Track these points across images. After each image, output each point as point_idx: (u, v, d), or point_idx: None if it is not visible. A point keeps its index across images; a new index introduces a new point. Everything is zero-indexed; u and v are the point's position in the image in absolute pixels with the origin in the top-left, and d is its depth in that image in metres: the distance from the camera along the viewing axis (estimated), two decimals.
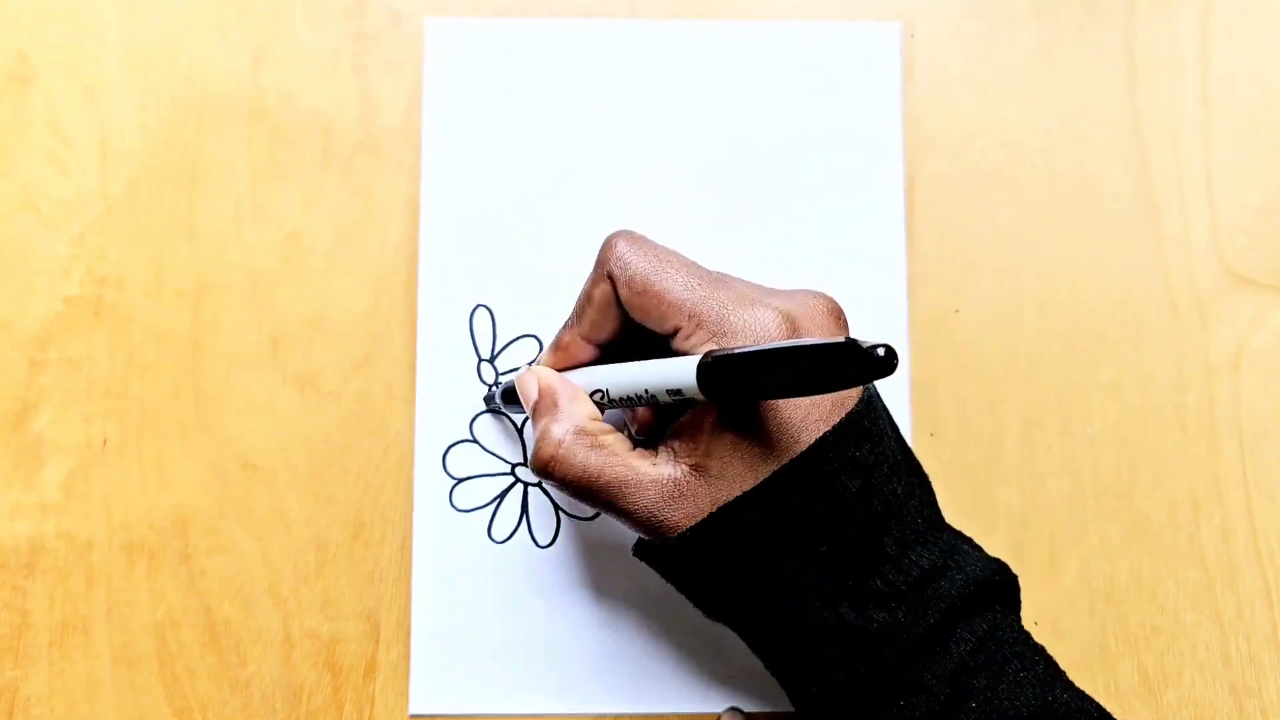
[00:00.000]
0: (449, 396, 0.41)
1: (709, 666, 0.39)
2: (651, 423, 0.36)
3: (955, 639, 0.32)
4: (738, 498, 0.31)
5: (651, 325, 0.33)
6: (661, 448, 0.33)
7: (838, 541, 0.31)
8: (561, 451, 0.33)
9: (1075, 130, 0.42)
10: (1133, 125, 0.42)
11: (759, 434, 0.31)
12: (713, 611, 0.35)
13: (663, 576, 0.35)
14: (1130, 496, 0.40)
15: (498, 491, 0.40)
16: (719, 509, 0.31)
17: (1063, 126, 0.42)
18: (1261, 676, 0.39)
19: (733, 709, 0.39)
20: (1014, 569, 0.34)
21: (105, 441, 0.40)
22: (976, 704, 0.31)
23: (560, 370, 0.36)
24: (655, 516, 0.32)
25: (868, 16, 0.43)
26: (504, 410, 0.41)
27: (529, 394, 0.36)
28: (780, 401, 0.31)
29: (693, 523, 0.32)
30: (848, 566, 0.31)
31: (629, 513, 0.33)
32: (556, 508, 0.40)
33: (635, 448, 0.34)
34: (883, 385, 0.38)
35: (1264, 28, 0.43)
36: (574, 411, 0.34)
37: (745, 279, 0.34)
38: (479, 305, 0.41)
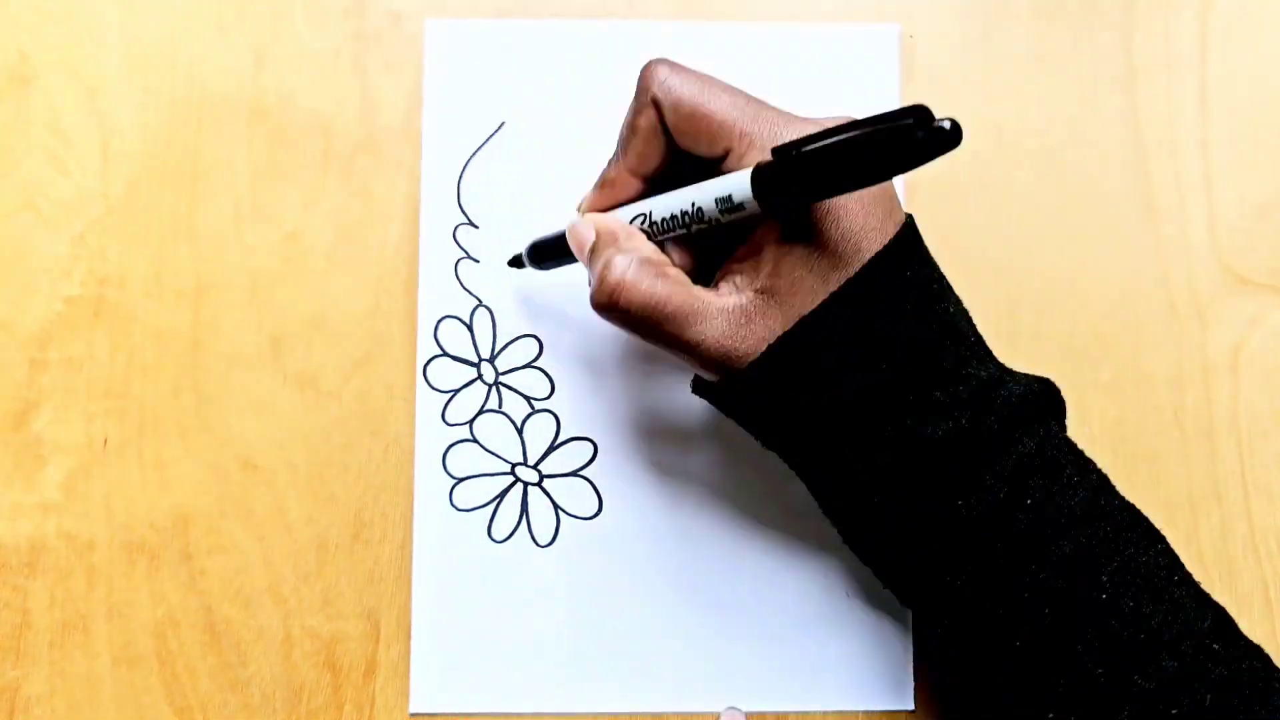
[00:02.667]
0: (449, 396, 0.41)
1: (709, 666, 0.40)
2: (692, 267, 0.35)
3: (1016, 442, 0.32)
4: (814, 309, 0.31)
5: (702, 149, 0.33)
6: (722, 282, 0.33)
7: (896, 358, 0.32)
8: (628, 278, 0.32)
9: (1075, 131, 0.42)
10: (1132, 126, 0.42)
11: (825, 246, 0.31)
12: (772, 441, 0.35)
13: (722, 410, 0.35)
14: (1129, 496, 0.40)
15: (498, 491, 0.40)
16: (797, 323, 0.31)
17: (1062, 127, 0.42)
18: None
19: (732, 708, 0.39)
20: None
21: (106, 441, 0.40)
22: (1032, 502, 0.32)
23: (607, 208, 0.36)
24: (724, 345, 0.32)
25: (867, 17, 0.43)
26: (534, 267, 0.40)
27: (585, 238, 0.35)
28: (840, 211, 0.31)
29: (764, 346, 0.32)
30: (909, 381, 0.32)
31: (697, 344, 0.32)
32: (556, 508, 0.40)
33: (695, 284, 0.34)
34: None
35: (1263, 28, 0.43)
36: (635, 245, 0.34)
37: None
38: (479, 305, 0.41)
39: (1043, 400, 0.34)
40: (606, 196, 0.36)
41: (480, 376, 0.41)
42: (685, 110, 0.33)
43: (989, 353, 0.34)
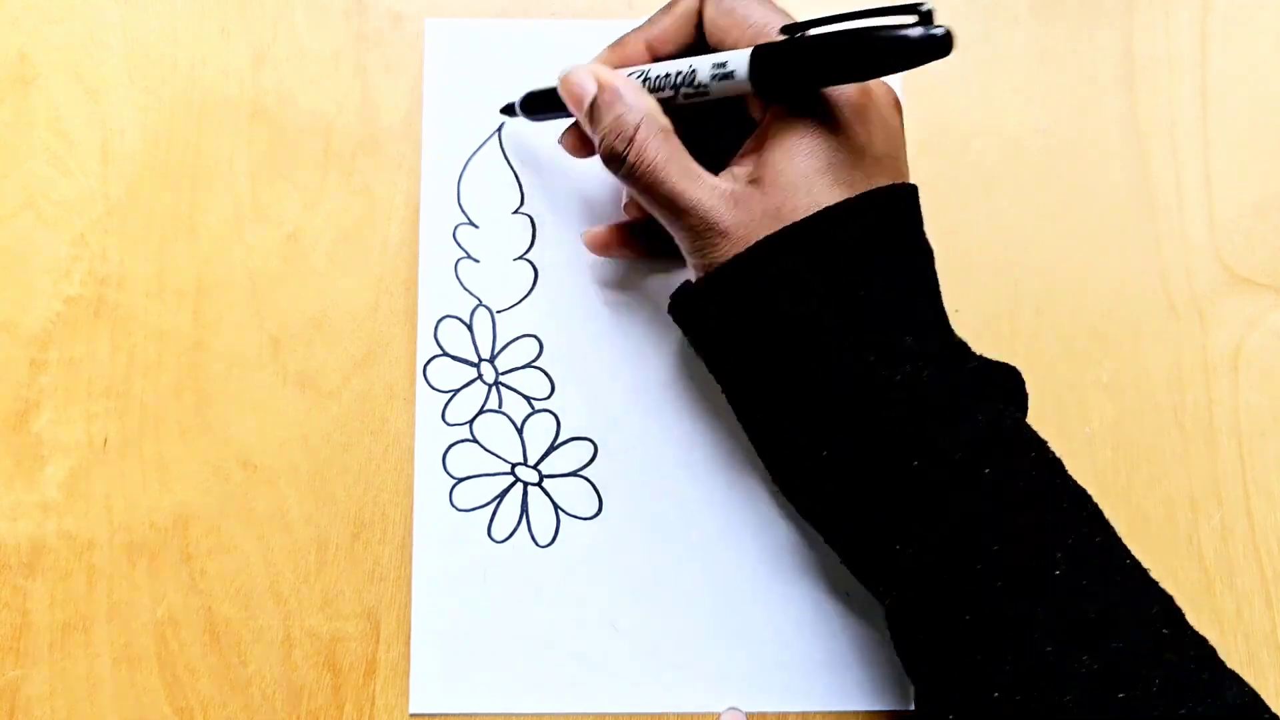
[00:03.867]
0: (449, 396, 0.41)
1: (709, 666, 0.40)
2: None
3: (978, 410, 0.32)
4: (807, 218, 0.32)
5: (726, 48, 0.34)
6: (723, 171, 0.34)
7: (876, 294, 0.32)
8: (639, 135, 0.33)
9: (1075, 130, 0.42)
10: (1131, 126, 0.42)
11: (825, 152, 0.32)
12: (727, 373, 0.35)
13: (688, 332, 0.36)
14: (1129, 496, 0.40)
15: (498, 491, 0.40)
16: (782, 229, 0.32)
17: (1062, 127, 0.42)
18: (1261, 676, 0.39)
19: (732, 709, 0.39)
20: None
21: (106, 441, 0.40)
22: (990, 471, 0.31)
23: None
24: (712, 216, 0.33)
25: None
26: (526, 117, 0.40)
27: (584, 88, 0.35)
28: (848, 128, 0.32)
29: (747, 234, 0.32)
30: (882, 319, 0.32)
31: (689, 208, 0.33)
32: (556, 508, 0.40)
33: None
34: None
35: (1263, 28, 0.43)
36: (641, 103, 0.34)
37: None
38: (479, 305, 0.41)
39: (1008, 385, 0.34)
40: (615, 57, 0.37)
41: (480, 376, 0.41)
42: (726, 6, 0.34)
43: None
